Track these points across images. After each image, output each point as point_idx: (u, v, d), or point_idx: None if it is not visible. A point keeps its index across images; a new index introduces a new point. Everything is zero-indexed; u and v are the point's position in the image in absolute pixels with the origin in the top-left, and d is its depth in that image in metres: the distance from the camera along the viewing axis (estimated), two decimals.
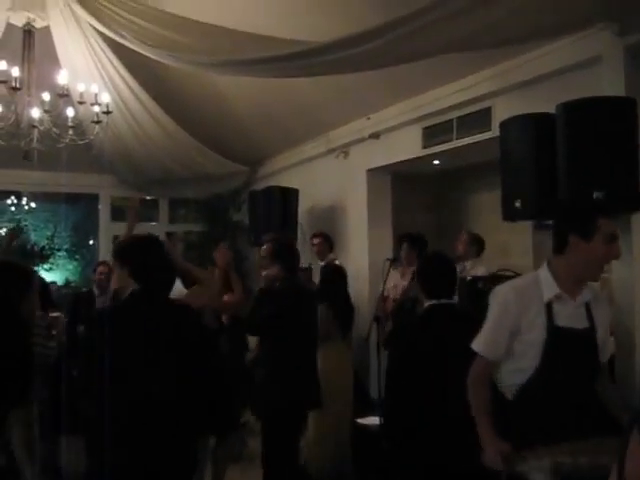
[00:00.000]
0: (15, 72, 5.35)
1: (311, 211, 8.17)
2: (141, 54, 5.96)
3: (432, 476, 3.09)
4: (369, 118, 7.16)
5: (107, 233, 10.79)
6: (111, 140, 7.50)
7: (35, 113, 5.93)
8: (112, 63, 6.63)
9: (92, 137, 6.35)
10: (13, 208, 14.85)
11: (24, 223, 14.54)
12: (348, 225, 7.66)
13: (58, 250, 16.24)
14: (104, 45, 6.45)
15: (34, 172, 9.38)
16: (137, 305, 2.85)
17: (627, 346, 4.28)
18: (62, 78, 5.61)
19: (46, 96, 5.87)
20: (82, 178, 10.11)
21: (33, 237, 14.83)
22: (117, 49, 6.47)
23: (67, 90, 5.63)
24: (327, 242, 6.84)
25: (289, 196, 7.61)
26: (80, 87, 5.79)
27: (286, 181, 8.38)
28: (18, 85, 5.37)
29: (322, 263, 6.70)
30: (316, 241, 6.86)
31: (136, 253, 2.93)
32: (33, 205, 14.67)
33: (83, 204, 16.53)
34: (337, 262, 6.69)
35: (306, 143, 8.35)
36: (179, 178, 9.41)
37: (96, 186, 10.47)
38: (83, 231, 16.41)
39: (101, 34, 6.17)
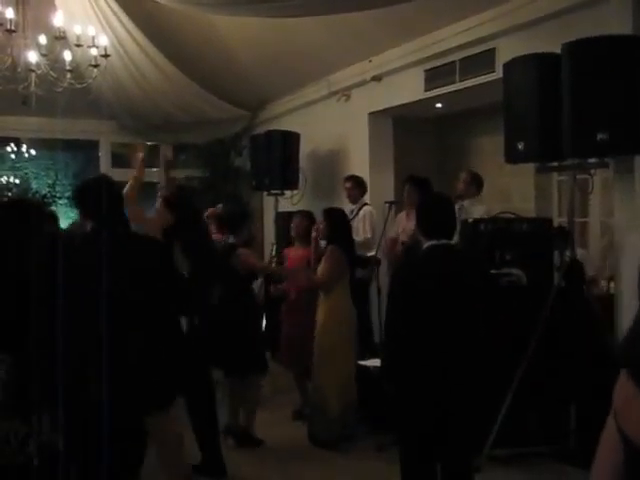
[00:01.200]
0: (10, 13, 5.25)
1: (312, 155, 8.13)
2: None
3: (431, 416, 3.14)
4: (371, 61, 7.07)
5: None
6: (110, 84, 7.41)
7: (32, 57, 5.85)
8: (109, 5, 6.50)
9: (90, 81, 6.27)
10: (13, 156, 14.77)
11: (24, 171, 14.48)
12: (349, 169, 7.61)
13: (59, 198, 16.23)
14: None
15: (32, 118, 9.31)
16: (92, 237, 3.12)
17: (628, 290, 4.30)
18: (58, 20, 5.51)
19: (42, 39, 5.77)
20: (81, 124, 10.06)
21: (34, 185, 14.78)
22: None
23: (63, 33, 5.54)
24: (358, 186, 6.81)
25: (290, 140, 7.55)
26: (77, 29, 5.69)
27: (287, 125, 8.31)
28: (13, 27, 5.27)
29: (354, 206, 6.71)
30: (347, 185, 6.84)
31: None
32: (33, 152, 14.57)
33: (83, 151, 16.45)
34: (369, 206, 6.72)
35: (307, 86, 8.25)
36: (179, 123, 9.33)
37: (96, 132, 10.41)
38: (84, 179, 16.31)
39: None
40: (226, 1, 5.23)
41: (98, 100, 8.32)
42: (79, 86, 6.17)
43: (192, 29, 7.32)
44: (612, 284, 4.93)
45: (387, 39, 6.65)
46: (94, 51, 5.85)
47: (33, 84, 5.94)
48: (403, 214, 6.31)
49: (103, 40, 5.82)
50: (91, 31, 5.72)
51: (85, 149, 16.20)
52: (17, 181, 14.49)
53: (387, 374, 3.37)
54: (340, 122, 7.77)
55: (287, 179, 7.37)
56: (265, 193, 8.12)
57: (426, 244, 3.27)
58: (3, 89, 5.90)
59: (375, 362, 4.81)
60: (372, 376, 4.85)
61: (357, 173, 7.34)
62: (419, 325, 3.12)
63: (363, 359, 5.28)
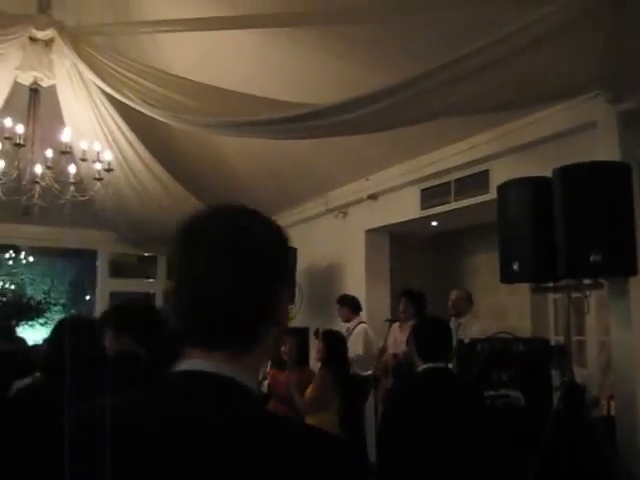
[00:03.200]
0: (20, 129, 5.43)
1: (309, 270, 8.19)
2: (144, 114, 6.08)
3: None
4: (368, 179, 7.25)
5: (104, 289, 10.73)
6: (112, 197, 7.55)
7: (37, 169, 5.99)
8: (115, 122, 6.72)
9: (92, 194, 6.39)
10: (11, 262, 14.86)
11: (21, 277, 14.54)
12: (346, 285, 7.66)
13: (54, 304, 16.19)
14: (108, 104, 6.55)
15: (33, 227, 9.44)
16: None
17: (628, 410, 4.24)
18: (65, 136, 5.69)
19: (49, 153, 5.94)
20: (81, 233, 10.13)
21: (29, 291, 14.80)
22: (121, 108, 6.57)
23: (70, 148, 5.70)
24: (348, 305, 6.89)
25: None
26: (83, 145, 5.86)
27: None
28: (22, 142, 5.44)
29: (349, 324, 6.74)
30: (338, 306, 6.98)
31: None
32: (31, 259, 14.68)
33: (80, 259, 16.56)
34: (364, 324, 6.76)
35: (305, 203, 8.44)
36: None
37: (95, 242, 10.48)
38: (80, 286, 16.39)
39: (106, 94, 6.28)
40: (231, 123, 5.40)
41: (99, 212, 8.49)
42: (82, 198, 6.29)
43: (194, 145, 7.55)
44: (612, 403, 4.85)
45: (384, 159, 6.86)
46: (98, 165, 6.00)
47: (37, 195, 6.04)
48: (396, 326, 6.36)
49: (107, 155, 5.99)
50: (97, 147, 5.90)
51: (82, 257, 16.29)
52: (13, 287, 14.56)
53: None
54: (337, 238, 7.89)
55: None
56: None
57: (422, 367, 3.25)
58: (6, 199, 5.99)
59: None
60: None
61: (354, 289, 7.38)
62: (418, 453, 3.04)
63: None
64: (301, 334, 6.52)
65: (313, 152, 6.99)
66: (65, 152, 5.57)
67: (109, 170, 5.99)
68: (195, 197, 8.44)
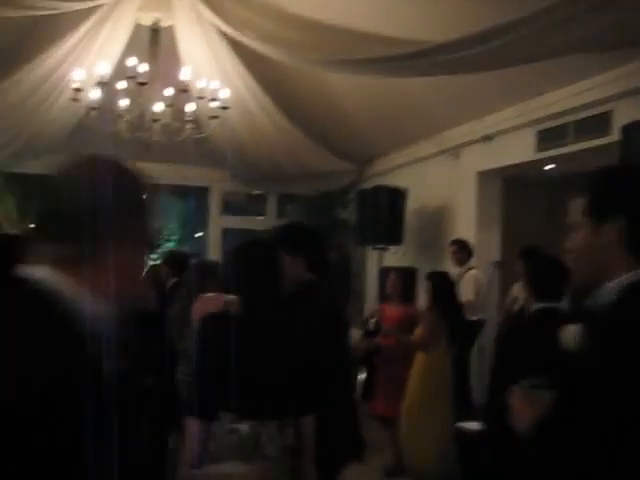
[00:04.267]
0: (143, 68, 5.61)
1: (419, 212, 8.14)
2: (260, 54, 6.15)
3: None
4: (482, 120, 7.07)
5: (217, 226, 11.06)
6: (226, 135, 7.68)
7: (157, 107, 6.19)
8: (232, 62, 6.82)
9: (208, 132, 6.56)
10: None
11: None
12: (456, 228, 7.58)
13: (167, 241, 16.88)
14: (225, 44, 6.65)
15: (148, 164, 9.79)
16: None
17: None
18: (184, 75, 5.84)
19: (169, 91, 6.12)
20: (195, 171, 10.46)
21: None
22: (236, 47, 6.66)
23: (188, 86, 5.85)
24: (463, 250, 6.83)
25: (398, 196, 7.62)
26: (200, 83, 6.00)
27: (394, 181, 8.38)
28: (145, 80, 5.63)
29: (459, 269, 6.70)
30: (452, 249, 6.91)
31: None
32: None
33: (191, 197, 17.09)
34: (474, 270, 6.70)
35: (416, 143, 8.32)
36: (288, 174, 9.55)
37: (208, 179, 10.75)
38: (190, 223, 16.99)
39: (222, 33, 6.38)
40: (346, 61, 5.38)
41: (214, 149, 8.70)
42: (198, 136, 6.47)
43: (306, 84, 7.55)
44: None
45: (499, 99, 6.65)
46: (215, 104, 6.14)
47: (156, 133, 6.26)
48: (518, 285, 6.09)
49: (224, 93, 6.10)
50: (214, 85, 6.02)
51: (193, 195, 16.80)
52: None
53: (490, 440, 3.28)
54: (448, 180, 7.78)
55: (393, 235, 7.40)
56: (370, 247, 8.16)
57: (535, 306, 3.21)
58: (129, 136, 6.24)
59: (474, 425, 4.70)
60: (472, 440, 4.73)
61: (463, 232, 7.29)
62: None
63: (461, 421, 5.16)
64: (408, 273, 6.57)
65: (426, 92, 6.87)
66: (184, 90, 5.72)
67: (225, 108, 6.11)
68: (307, 137, 8.53)
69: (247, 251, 3.13)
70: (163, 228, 17.83)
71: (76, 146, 8.52)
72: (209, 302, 3.16)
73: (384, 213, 7.43)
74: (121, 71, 6.16)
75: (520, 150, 6.69)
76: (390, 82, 6.86)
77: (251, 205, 11.97)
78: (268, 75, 7.20)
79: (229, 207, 11.30)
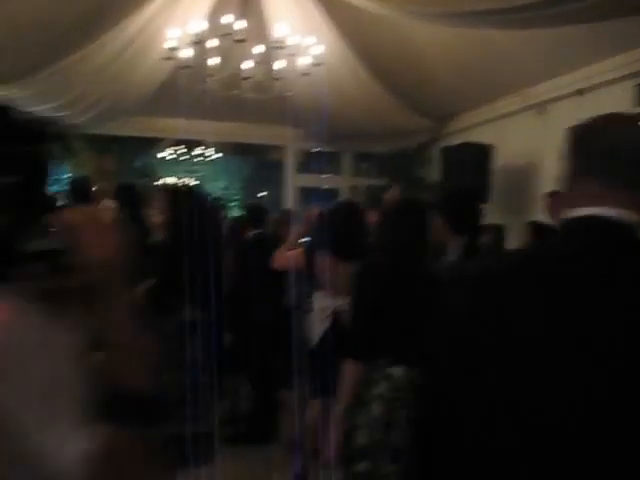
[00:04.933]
0: (241, 24, 5.59)
1: (503, 169, 7.99)
2: (347, 7, 6.07)
3: None
4: (574, 74, 6.86)
5: (293, 185, 11.09)
6: (308, 93, 7.63)
7: (246, 65, 6.20)
8: (319, 17, 6.74)
9: (296, 90, 6.54)
10: (189, 159, 15.55)
11: (199, 174, 15.30)
12: (543, 185, 7.41)
13: (230, 201, 17.02)
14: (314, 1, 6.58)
15: (222, 123, 9.82)
16: None
17: None
18: (279, 31, 5.80)
19: (259, 49, 6.11)
20: (271, 130, 10.46)
21: (208, 187, 15.48)
22: (327, 4, 6.59)
23: (282, 42, 5.81)
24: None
25: (484, 152, 7.48)
26: (294, 39, 5.94)
27: (476, 137, 8.20)
28: (243, 38, 5.62)
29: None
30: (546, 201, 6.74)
31: None
32: (215, 156, 15.34)
33: (252, 157, 17.15)
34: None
35: (501, 99, 8.13)
36: (365, 132, 9.47)
37: (284, 138, 10.72)
38: (252, 184, 17.09)
39: None
40: (443, 13, 5.26)
41: (294, 108, 8.65)
42: (288, 94, 6.45)
43: (389, 36, 7.38)
44: None
45: (594, 51, 6.43)
46: (307, 60, 6.09)
47: (246, 91, 6.28)
48: None
49: (317, 49, 6.04)
50: (309, 41, 5.96)
51: (255, 154, 16.87)
52: (191, 183, 15.34)
53: None
54: (535, 136, 7.59)
55: (479, 191, 7.29)
56: None
57: None
58: (219, 95, 6.27)
59: None
60: None
61: (551, 189, 7.13)
62: None
63: None
64: (496, 230, 6.51)
65: (512, 44, 6.67)
66: (279, 47, 5.68)
67: (318, 65, 6.07)
68: (389, 93, 8.40)
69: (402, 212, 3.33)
70: (227, 189, 18.02)
71: (160, 107, 8.68)
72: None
73: (470, 170, 7.32)
74: (210, 29, 6.18)
75: (616, 105, 6.44)
76: (475, 36, 6.71)
77: (326, 164, 11.94)
78: (353, 28, 7.10)
79: (304, 166, 11.29)
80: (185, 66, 6.09)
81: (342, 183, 11.01)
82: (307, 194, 10.99)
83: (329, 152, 11.22)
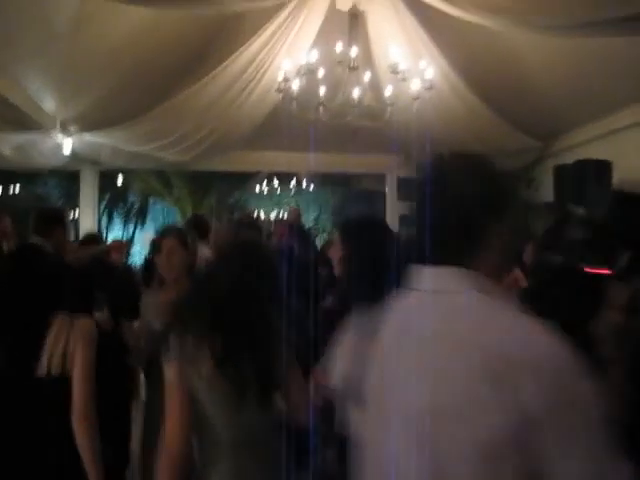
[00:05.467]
0: (355, 52, 5.54)
1: (621, 185, 7.61)
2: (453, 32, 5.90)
3: None
4: None
5: (393, 212, 10.94)
6: (414, 118, 7.50)
7: (356, 92, 6.12)
8: (424, 42, 6.63)
9: (408, 115, 6.42)
10: (279, 191, 15.61)
11: (291, 204, 15.36)
12: None
13: (323, 231, 17.02)
14: (417, 24, 6.48)
15: (319, 154, 9.73)
16: None
17: None
18: (394, 55, 5.70)
19: (367, 75, 6.03)
20: (368, 159, 10.36)
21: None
22: (428, 25, 6.48)
23: (395, 68, 5.71)
24: None
25: (603, 169, 7.15)
26: (402, 65, 5.84)
27: (583, 155, 7.86)
28: (357, 65, 5.55)
29: None
30: None
31: None
32: (305, 187, 15.40)
33: (341, 187, 17.12)
34: None
35: (611, 114, 7.79)
36: None
37: (383, 166, 10.60)
38: (344, 212, 17.03)
39: (415, 10, 6.20)
40: (561, 25, 5.05)
41: (399, 134, 8.50)
42: (399, 120, 6.34)
43: (491, 52, 7.19)
44: None
45: None
46: (416, 85, 5.97)
47: (357, 118, 6.19)
48: None
49: (429, 74, 5.92)
50: (422, 65, 5.85)
51: (345, 184, 16.80)
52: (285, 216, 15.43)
53: None
54: None
55: (600, 209, 6.95)
56: None
57: None
58: (330, 123, 6.20)
59: None
60: None
61: None
62: None
63: None
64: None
65: (629, 53, 6.36)
66: (394, 72, 5.58)
67: (429, 89, 5.93)
68: (494, 113, 8.19)
69: None
70: (318, 219, 18.04)
71: (268, 139, 8.68)
72: None
73: (590, 188, 7.00)
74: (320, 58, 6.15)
75: None
76: (589, 47, 6.44)
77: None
78: (455, 45, 6.94)
79: (405, 193, 11.14)
80: (294, 97, 6.06)
81: None
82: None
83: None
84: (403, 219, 10.67)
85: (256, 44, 6.69)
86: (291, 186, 14.97)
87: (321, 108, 6.08)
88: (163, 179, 12.99)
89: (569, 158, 8.15)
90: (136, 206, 17.17)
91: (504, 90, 7.84)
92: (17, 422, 2.57)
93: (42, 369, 2.55)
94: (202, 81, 7.07)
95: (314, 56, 5.73)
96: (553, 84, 7.59)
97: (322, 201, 18.12)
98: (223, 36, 6.75)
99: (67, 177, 13.09)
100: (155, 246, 3.92)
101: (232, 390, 2.17)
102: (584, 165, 7.20)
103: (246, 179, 14.21)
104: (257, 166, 11.11)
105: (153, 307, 3.71)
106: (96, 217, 10.36)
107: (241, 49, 6.70)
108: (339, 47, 5.60)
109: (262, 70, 6.74)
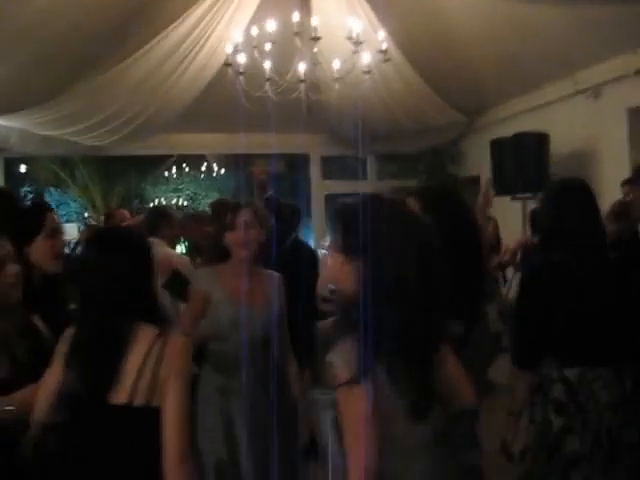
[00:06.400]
0: (316, 21, 5.25)
1: (556, 157, 7.72)
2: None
3: None
4: (634, 54, 6.61)
5: (319, 192, 10.74)
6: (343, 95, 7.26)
7: (302, 67, 5.87)
8: (368, 15, 6.41)
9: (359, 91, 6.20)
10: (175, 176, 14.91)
11: (190, 191, 14.72)
12: (602, 171, 7.15)
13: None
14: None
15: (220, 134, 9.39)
16: None
17: None
18: (354, 26, 5.43)
19: (316, 48, 5.77)
20: (292, 138, 10.05)
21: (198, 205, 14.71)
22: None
23: (351, 35, 5.42)
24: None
25: (541, 141, 7.19)
26: (358, 34, 5.57)
27: (513, 129, 7.90)
28: (318, 35, 5.26)
29: None
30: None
31: None
32: (216, 171, 14.80)
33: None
34: None
35: (546, 85, 7.86)
36: (395, 131, 9.10)
37: (306, 145, 10.32)
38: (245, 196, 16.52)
39: None
40: None
41: (329, 112, 8.26)
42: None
43: (428, 27, 7.06)
44: None
45: None
46: (366, 57, 5.77)
47: (303, 93, 5.93)
48: None
49: (384, 45, 5.71)
50: (380, 36, 5.64)
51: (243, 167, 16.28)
52: (185, 202, 14.76)
53: None
54: (587, 122, 7.34)
55: (538, 182, 6.99)
56: (509, 198, 7.74)
57: None
58: (277, 99, 5.90)
59: None
60: None
61: (613, 175, 6.87)
62: None
63: None
64: None
65: (560, 27, 6.42)
66: (357, 42, 5.32)
67: (386, 60, 5.73)
68: (428, 87, 8.07)
69: (566, 194, 3.01)
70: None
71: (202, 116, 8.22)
72: None
73: (528, 160, 7.04)
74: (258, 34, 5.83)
75: None
76: (519, 20, 6.45)
77: (350, 169, 11.60)
78: (399, 27, 6.76)
79: (329, 173, 10.97)
80: (240, 72, 5.72)
81: (367, 188, 10.68)
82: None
83: (353, 156, 10.87)
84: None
85: (188, 21, 6.27)
86: (202, 170, 14.40)
87: (267, 84, 5.75)
88: (69, 167, 12.15)
89: (497, 131, 8.22)
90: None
91: (438, 65, 7.76)
92: (90, 461, 2.03)
93: (121, 396, 2.02)
94: (131, 57, 6.58)
95: (263, 28, 5.41)
96: (483, 59, 7.58)
97: (224, 186, 17.38)
98: (154, 9, 6.28)
99: None
100: (221, 220, 3.42)
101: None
102: (522, 137, 7.22)
103: (158, 164, 13.55)
104: (175, 150, 10.59)
105: (223, 297, 3.28)
106: None
107: (174, 24, 6.27)
108: (296, 17, 5.30)
109: (199, 45, 6.32)
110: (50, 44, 6.31)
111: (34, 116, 7.44)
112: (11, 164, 10.61)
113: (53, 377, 2.11)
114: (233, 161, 14.58)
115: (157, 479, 1.95)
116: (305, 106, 5.92)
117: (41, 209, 2.96)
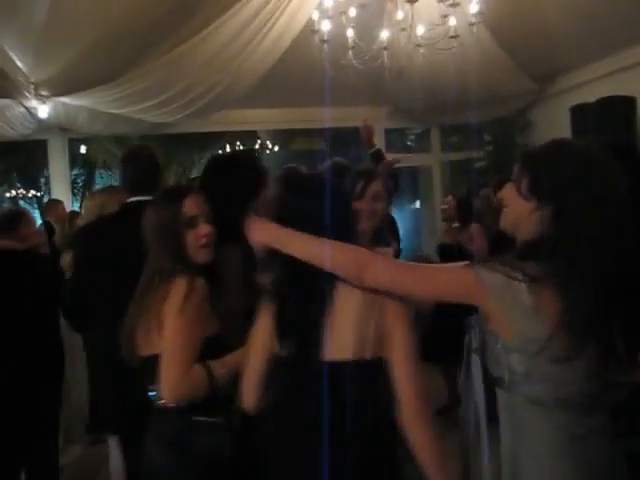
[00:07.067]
0: None
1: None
2: None
3: None
4: None
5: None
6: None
7: (384, 34, 5.68)
8: None
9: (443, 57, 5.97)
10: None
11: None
12: None
13: None
14: None
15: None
16: None
17: None
18: None
19: (400, 14, 5.58)
20: (353, 112, 9.82)
21: None
22: None
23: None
24: None
25: (628, 106, 6.90)
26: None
27: (583, 98, 7.62)
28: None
29: None
30: None
31: None
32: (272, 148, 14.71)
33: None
34: None
35: (621, 51, 7.53)
36: (460, 103, 8.81)
37: (369, 119, 10.06)
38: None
39: None
40: None
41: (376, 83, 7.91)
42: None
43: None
44: None
45: None
46: (453, 21, 5.55)
47: (386, 60, 5.74)
48: None
49: (474, 8, 5.48)
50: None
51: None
52: None
53: None
54: None
55: (629, 147, 6.71)
56: None
57: None
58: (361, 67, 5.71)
59: None
60: None
61: None
62: None
63: None
64: None
65: None
66: (454, 4, 5.09)
67: (477, 23, 5.50)
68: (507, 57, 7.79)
69: None
70: None
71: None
72: None
73: (617, 125, 6.75)
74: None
75: None
76: None
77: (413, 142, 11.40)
78: None
79: (391, 146, 10.74)
80: (324, 40, 5.54)
81: (433, 160, 10.46)
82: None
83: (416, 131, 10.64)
84: None
85: None
86: (255, 147, 14.29)
87: (350, 52, 5.57)
88: (126, 147, 12.10)
89: (568, 100, 7.95)
90: (81, 179, 16.07)
91: (513, 28, 7.45)
92: (306, 419, 1.97)
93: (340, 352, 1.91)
94: (205, 31, 6.42)
95: None
96: (561, 25, 7.28)
97: (278, 164, 17.22)
98: None
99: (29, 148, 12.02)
100: (346, 189, 3.16)
101: None
102: (609, 102, 6.91)
103: (212, 143, 13.45)
104: (241, 125, 10.39)
105: None
106: (70, 188, 9.59)
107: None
108: None
109: (277, 14, 6.13)
110: (124, 20, 6.22)
111: (104, 93, 7.36)
112: (73, 145, 10.61)
113: (257, 360, 2.08)
114: (284, 137, 14.50)
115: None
116: (390, 74, 5.67)
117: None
